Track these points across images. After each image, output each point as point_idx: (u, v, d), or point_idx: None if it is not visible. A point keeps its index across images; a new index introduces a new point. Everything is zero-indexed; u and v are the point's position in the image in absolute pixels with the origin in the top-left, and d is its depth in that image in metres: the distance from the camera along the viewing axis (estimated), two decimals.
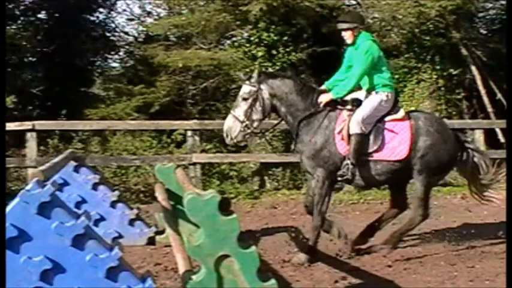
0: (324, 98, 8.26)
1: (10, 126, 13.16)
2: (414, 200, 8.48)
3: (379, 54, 8.34)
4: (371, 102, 8.23)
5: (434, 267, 7.81)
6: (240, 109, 8.22)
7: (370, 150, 8.18)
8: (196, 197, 4.79)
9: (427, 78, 16.84)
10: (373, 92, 8.30)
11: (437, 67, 16.81)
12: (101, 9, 21.21)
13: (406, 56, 17.31)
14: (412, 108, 16.44)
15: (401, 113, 8.35)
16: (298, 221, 10.80)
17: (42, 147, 14.40)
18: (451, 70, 17.03)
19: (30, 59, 20.21)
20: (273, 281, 4.92)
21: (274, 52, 16.06)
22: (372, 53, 8.19)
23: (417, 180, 8.35)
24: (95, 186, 8.84)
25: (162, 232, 8.92)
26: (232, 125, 8.20)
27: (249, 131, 8.22)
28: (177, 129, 14.88)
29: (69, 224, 4.33)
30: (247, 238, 8.51)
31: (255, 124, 8.25)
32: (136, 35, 20.93)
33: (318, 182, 8.20)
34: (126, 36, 21.09)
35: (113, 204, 8.91)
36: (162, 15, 19.98)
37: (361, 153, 8.11)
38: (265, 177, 15.37)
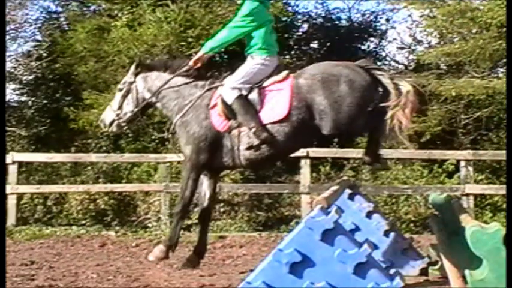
0: (195, 57, 7.80)
1: None
2: None
3: (261, 15, 7.61)
4: (244, 68, 7.61)
5: None
6: (115, 99, 8.21)
7: None
8: (481, 230, 4.67)
9: None
10: (249, 57, 7.64)
11: None
12: (372, 38, 21.46)
13: None
14: None
15: (282, 74, 7.56)
16: None
17: (314, 174, 14.72)
18: None
19: None
20: None
21: None
22: (251, 12, 7.52)
23: None
24: (368, 215, 8.83)
25: (435, 263, 8.75)
26: (107, 114, 8.21)
27: (121, 121, 8.13)
28: (449, 159, 14.64)
29: (352, 251, 4.38)
30: None
31: (127, 115, 8.13)
32: (406, 63, 20.90)
33: (188, 165, 7.62)
34: (396, 64, 21.12)
35: (386, 233, 8.84)
36: (433, 43, 19.77)
37: (253, 116, 7.34)
38: None
